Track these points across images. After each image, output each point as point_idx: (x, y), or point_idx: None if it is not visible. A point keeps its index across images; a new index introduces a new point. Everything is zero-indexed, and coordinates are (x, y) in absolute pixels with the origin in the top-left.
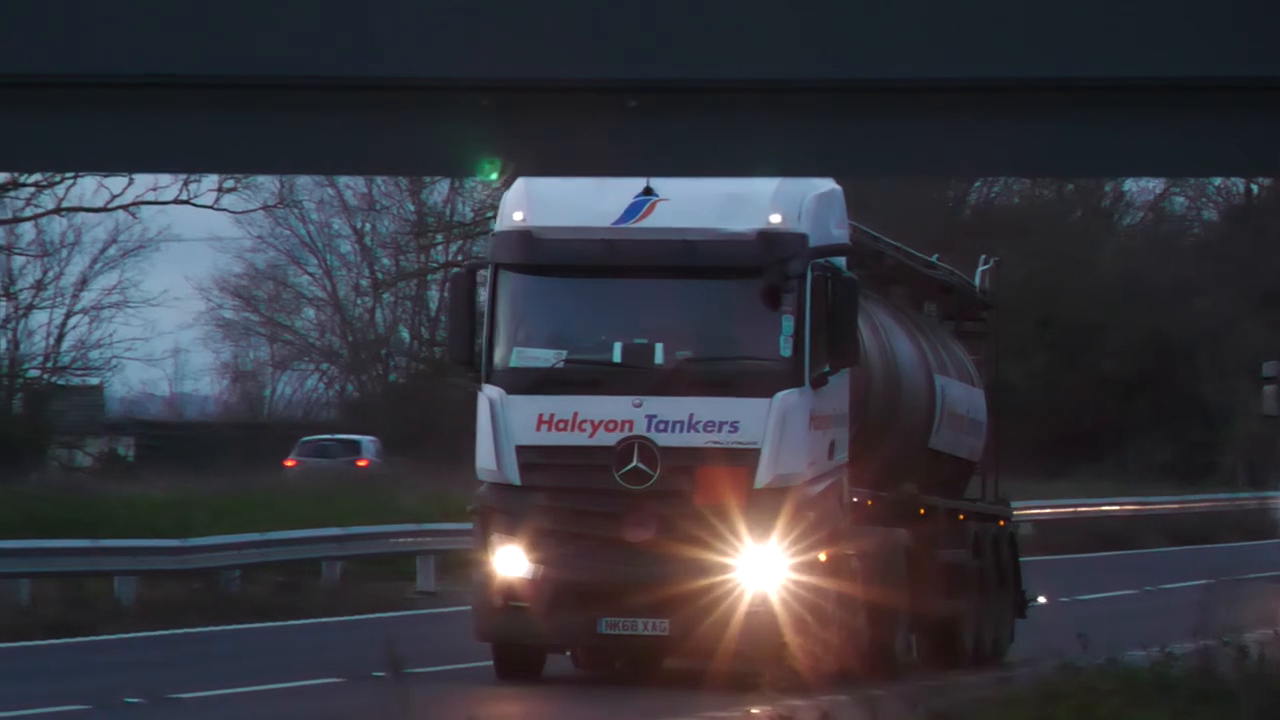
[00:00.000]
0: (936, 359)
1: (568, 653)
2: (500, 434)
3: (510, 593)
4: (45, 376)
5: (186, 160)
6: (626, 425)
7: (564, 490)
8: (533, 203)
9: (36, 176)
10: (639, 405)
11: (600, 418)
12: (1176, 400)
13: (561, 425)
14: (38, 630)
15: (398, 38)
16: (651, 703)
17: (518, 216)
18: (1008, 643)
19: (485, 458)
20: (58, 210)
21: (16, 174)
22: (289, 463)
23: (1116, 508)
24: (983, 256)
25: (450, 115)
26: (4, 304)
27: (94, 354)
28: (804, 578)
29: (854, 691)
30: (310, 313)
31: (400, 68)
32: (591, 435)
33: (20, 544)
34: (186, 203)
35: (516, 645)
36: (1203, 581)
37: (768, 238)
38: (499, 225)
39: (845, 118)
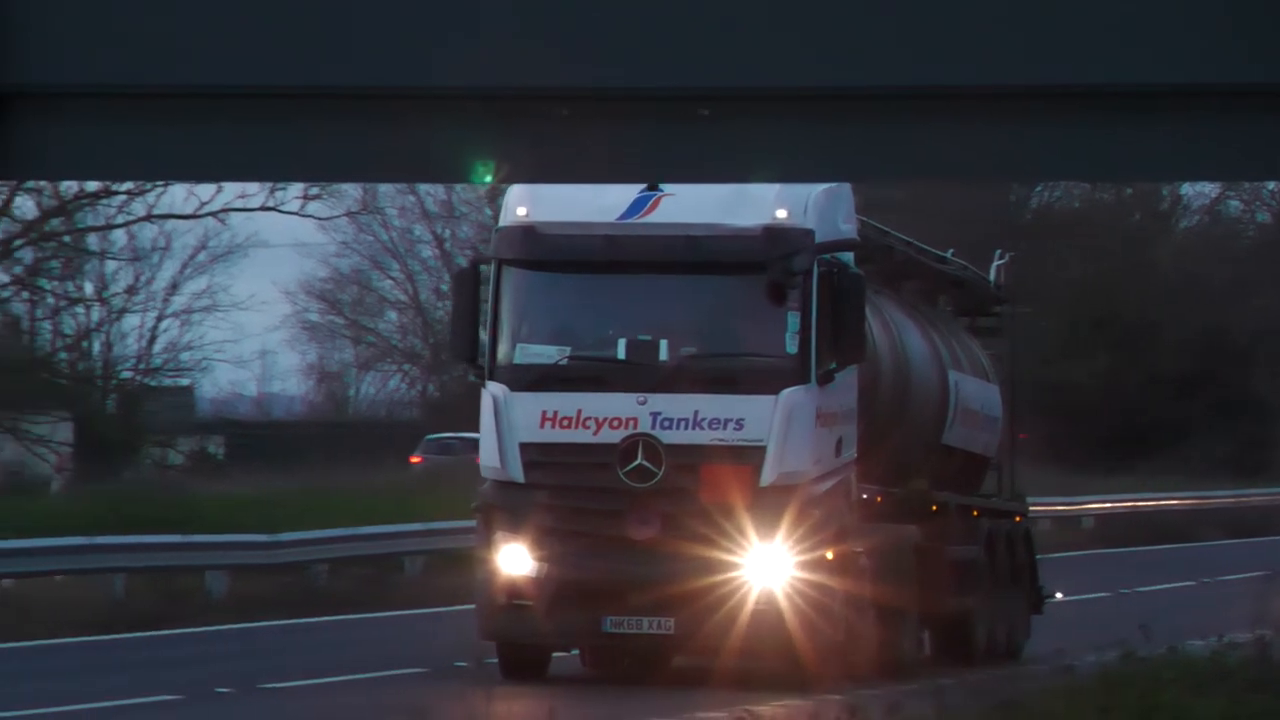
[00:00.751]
0: (950, 354)
1: (573, 651)
2: (504, 431)
3: (514, 591)
4: (138, 378)
5: (223, 169)
6: (631, 423)
7: (568, 488)
8: (536, 198)
9: (129, 185)
10: (643, 402)
11: (604, 415)
12: (1234, 397)
13: (565, 423)
14: (132, 623)
15: (466, 49)
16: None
17: (521, 212)
18: (1024, 639)
19: (489, 455)
20: (149, 217)
21: (109, 183)
22: (414, 459)
23: (1175, 502)
24: (997, 251)
25: (526, 124)
26: (98, 308)
27: (184, 356)
28: (810, 576)
29: (883, 687)
30: (392, 315)
31: (477, 78)
32: (595, 433)
33: (115, 539)
34: (273, 209)
35: (521, 644)
36: (1259, 573)
37: (773, 233)
38: (502, 220)
39: (883, 123)
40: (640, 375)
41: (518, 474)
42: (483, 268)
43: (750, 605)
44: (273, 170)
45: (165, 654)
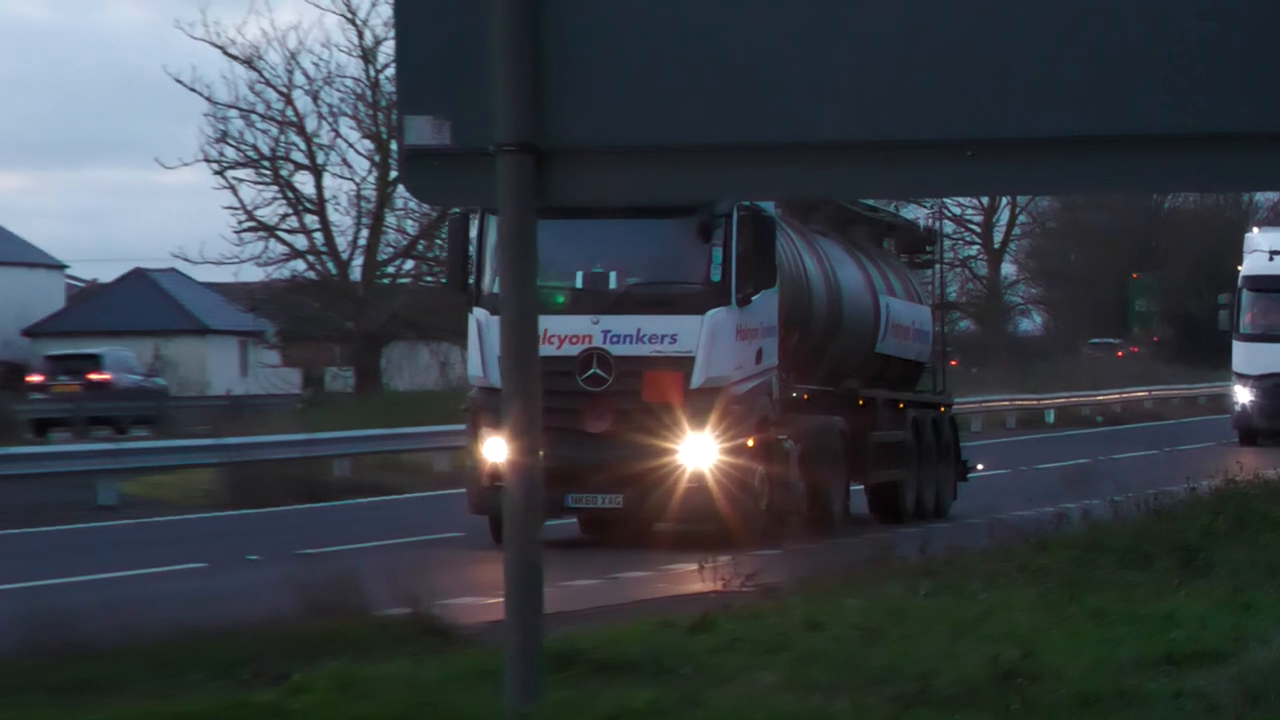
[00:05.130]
0: (884, 282)
1: (550, 521)
2: (486, 347)
3: (496, 475)
4: None
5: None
6: (586, 339)
7: None
8: None
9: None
10: (596, 322)
11: (565, 333)
12: None
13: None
14: None
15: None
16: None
17: None
18: (950, 500)
19: (475, 366)
20: None
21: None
22: None
23: None
24: (928, 203)
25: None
26: None
27: None
28: (733, 459)
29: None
30: None
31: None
32: (558, 347)
33: None
34: None
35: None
36: None
37: None
38: None
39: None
40: (594, 300)
41: (497, 381)
42: (471, 216)
43: (684, 483)
44: (722, 191)
45: None
